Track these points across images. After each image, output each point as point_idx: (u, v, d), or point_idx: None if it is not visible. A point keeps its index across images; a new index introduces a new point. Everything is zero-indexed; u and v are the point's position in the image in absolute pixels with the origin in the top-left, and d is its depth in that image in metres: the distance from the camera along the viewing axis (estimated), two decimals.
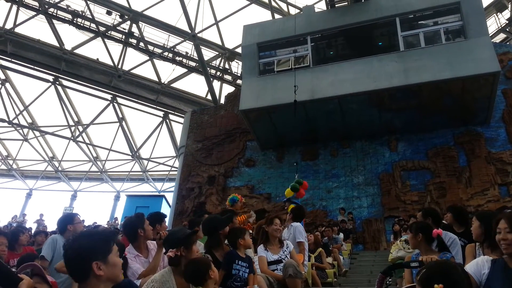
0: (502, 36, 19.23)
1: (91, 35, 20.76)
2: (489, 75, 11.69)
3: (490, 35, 14.14)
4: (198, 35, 19.80)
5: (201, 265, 2.81)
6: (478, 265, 2.53)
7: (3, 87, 23.73)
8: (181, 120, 21.78)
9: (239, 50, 19.35)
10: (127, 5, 20.28)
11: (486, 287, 2.40)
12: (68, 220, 4.77)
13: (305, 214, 6.97)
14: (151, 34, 21.24)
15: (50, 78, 22.29)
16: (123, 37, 20.78)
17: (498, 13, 18.91)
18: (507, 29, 18.93)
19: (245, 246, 3.95)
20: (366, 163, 14.77)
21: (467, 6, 12.50)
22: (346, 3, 14.50)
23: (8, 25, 19.78)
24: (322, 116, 14.00)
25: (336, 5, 14.64)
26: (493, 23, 18.99)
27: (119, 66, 20.93)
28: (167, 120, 24.75)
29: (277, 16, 20.12)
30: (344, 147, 15.29)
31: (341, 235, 11.11)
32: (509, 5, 18.67)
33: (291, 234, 5.55)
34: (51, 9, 19.73)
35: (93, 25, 19.98)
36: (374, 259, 10.58)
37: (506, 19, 18.78)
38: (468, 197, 12.87)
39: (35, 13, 19.79)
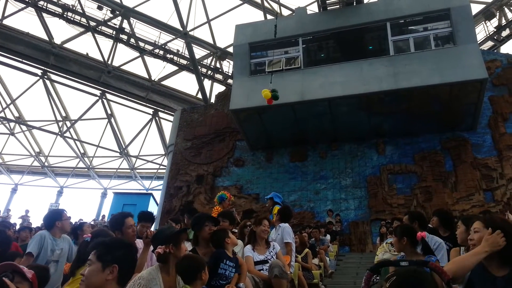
0: (490, 43, 19.54)
1: (81, 29, 20.54)
2: (476, 81, 11.88)
3: (478, 42, 14.37)
4: (190, 33, 19.75)
5: (197, 264, 2.86)
6: None
7: None
8: (171, 118, 21.67)
9: (230, 49, 19.36)
10: (118, 1, 20.13)
11: None
12: (56, 217, 4.71)
13: (292, 215, 6.99)
14: (142, 30, 21.13)
15: (39, 72, 22.00)
16: (114, 32, 20.60)
17: (487, 21, 19.22)
18: (495, 37, 19.24)
19: (233, 244, 3.96)
20: (354, 165, 14.87)
21: (456, 13, 12.68)
22: (338, 6, 14.58)
23: None
24: (311, 118, 14.06)
25: (328, 8, 14.71)
26: (482, 31, 19.31)
27: (109, 62, 20.77)
28: (157, 118, 24.62)
29: (269, 16, 20.14)
30: (333, 149, 15.38)
31: (328, 237, 11.19)
32: (497, 14, 18.99)
33: (279, 235, 5.56)
34: (41, 2, 19.46)
35: (83, 20, 19.77)
36: (360, 261, 10.68)
37: (494, 27, 19.10)
38: (454, 202, 13.06)
39: (24, 5, 19.53)
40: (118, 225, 3.79)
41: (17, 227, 10.80)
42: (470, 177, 13.33)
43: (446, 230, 4.69)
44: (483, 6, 19.39)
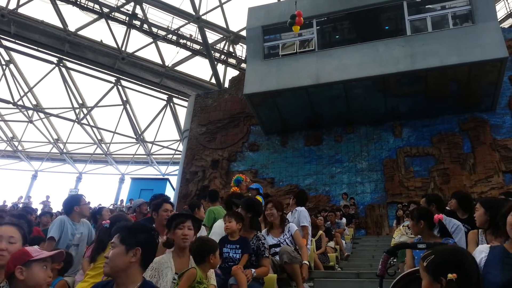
0: (511, 21, 18.91)
1: (95, 16, 20.62)
2: (496, 61, 11.54)
3: (498, 20, 13.90)
4: (203, 17, 19.61)
5: (206, 247, 3.04)
6: (475, 255, 2.52)
7: (7, 68, 23.77)
8: (185, 103, 21.74)
9: (243, 33, 19.18)
10: None
11: (484, 273, 2.40)
12: (74, 202, 4.82)
13: (308, 199, 6.98)
14: (155, 16, 21.11)
15: (54, 59, 22.26)
16: (127, 18, 20.62)
17: None
18: None
19: (231, 229, 3.94)
20: (370, 148, 14.74)
21: None
22: None
23: (12, 5, 19.67)
24: (326, 101, 13.92)
25: None
26: (502, 8, 18.68)
27: (123, 48, 20.84)
28: (171, 104, 24.74)
29: None
30: (348, 132, 15.25)
31: (344, 220, 11.19)
32: None
33: (295, 218, 5.58)
34: None
35: (96, 6, 19.83)
36: (376, 244, 10.66)
37: None
38: (472, 184, 12.86)
39: None
40: (157, 206, 4.00)
41: (39, 212, 11.07)
42: (489, 158, 13.07)
43: (464, 213, 4.63)
44: None
